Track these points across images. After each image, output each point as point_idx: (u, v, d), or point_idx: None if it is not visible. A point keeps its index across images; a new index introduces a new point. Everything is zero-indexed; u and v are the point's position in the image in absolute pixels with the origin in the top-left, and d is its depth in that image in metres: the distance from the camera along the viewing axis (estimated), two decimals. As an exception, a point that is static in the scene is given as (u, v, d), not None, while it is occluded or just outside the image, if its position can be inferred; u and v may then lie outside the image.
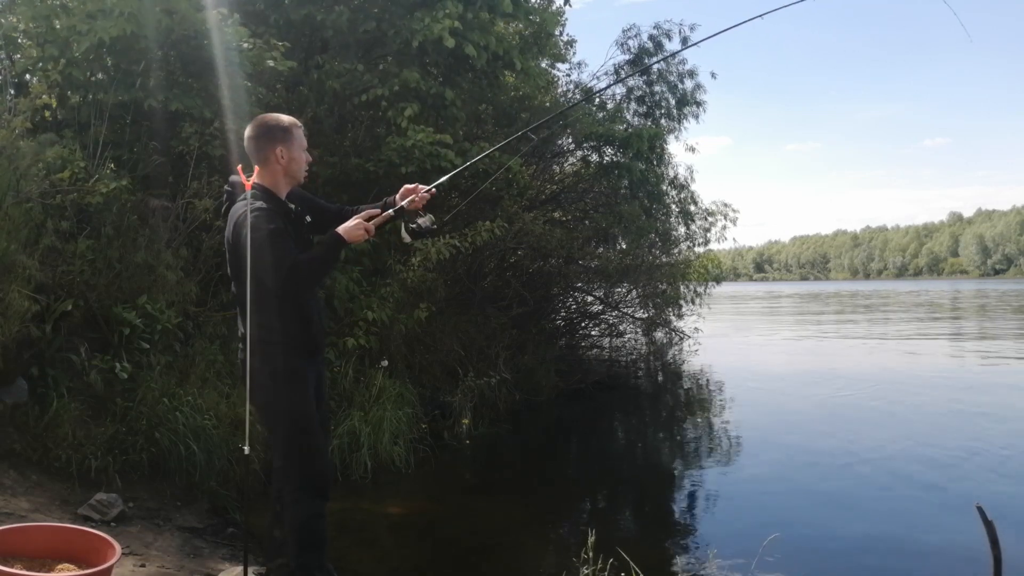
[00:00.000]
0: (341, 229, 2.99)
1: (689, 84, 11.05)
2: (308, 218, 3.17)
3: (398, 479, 5.93)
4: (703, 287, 12.54)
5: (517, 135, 4.66)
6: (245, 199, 2.89)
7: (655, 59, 10.46)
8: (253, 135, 3.05)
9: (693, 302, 12.38)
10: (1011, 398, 9.90)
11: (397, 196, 3.18)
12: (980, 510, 2.45)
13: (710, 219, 12.30)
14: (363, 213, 3.10)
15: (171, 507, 4.51)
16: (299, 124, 3.12)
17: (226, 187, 3.15)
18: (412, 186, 3.21)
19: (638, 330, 12.19)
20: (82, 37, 5.47)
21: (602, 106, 10.88)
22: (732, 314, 29.85)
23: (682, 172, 11.68)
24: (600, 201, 10.41)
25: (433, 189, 3.27)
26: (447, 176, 3.70)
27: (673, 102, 10.99)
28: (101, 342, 4.95)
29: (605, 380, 10.74)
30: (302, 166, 3.10)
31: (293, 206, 3.09)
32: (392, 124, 7.15)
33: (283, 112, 3.36)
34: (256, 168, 2.98)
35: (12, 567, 2.50)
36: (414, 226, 3.11)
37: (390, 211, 3.13)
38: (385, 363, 6.74)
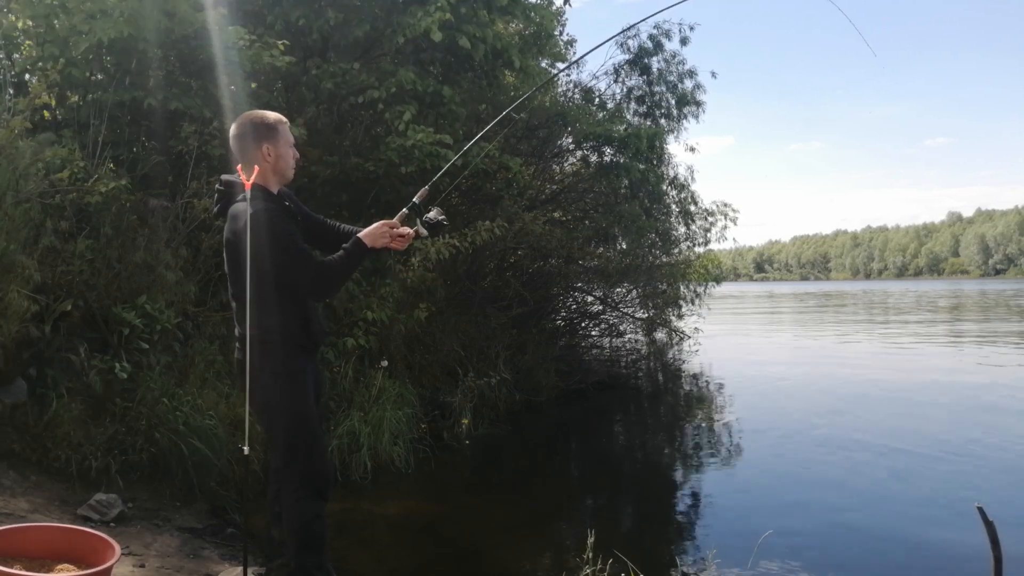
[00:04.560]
0: (362, 234, 2.99)
1: (689, 84, 11.07)
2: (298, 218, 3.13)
3: (398, 479, 5.92)
4: (703, 287, 12.53)
5: (498, 118, 4.32)
6: (246, 198, 2.84)
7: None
8: (238, 133, 2.99)
9: (693, 302, 12.38)
10: (1011, 397, 9.89)
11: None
12: (980, 510, 2.45)
13: (710, 219, 12.30)
14: (380, 222, 3.05)
15: (171, 507, 4.50)
16: (284, 120, 3.05)
17: (218, 186, 3.09)
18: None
19: (638, 330, 12.19)
20: (81, 37, 5.47)
21: (602, 106, 10.88)
22: (733, 314, 29.83)
23: (682, 172, 11.69)
24: (600, 201, 10.40)
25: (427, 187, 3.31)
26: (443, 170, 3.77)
27: (673, 102, 10.98)
28: (100, 342, 4.94)
29: (605, 380, 10.72)
30: (290, 163, 3.03)
31: (288, 204, 3.06)
32: (391, 125, 7.14)
33: (283, 112, 3.33)
34: (256, 168, 2.93)
35: (12, 567, 2.50)
36: (428, 220, 3.12)
37: (404, 209, 3.14)
38: (385, 363, 6.73)
